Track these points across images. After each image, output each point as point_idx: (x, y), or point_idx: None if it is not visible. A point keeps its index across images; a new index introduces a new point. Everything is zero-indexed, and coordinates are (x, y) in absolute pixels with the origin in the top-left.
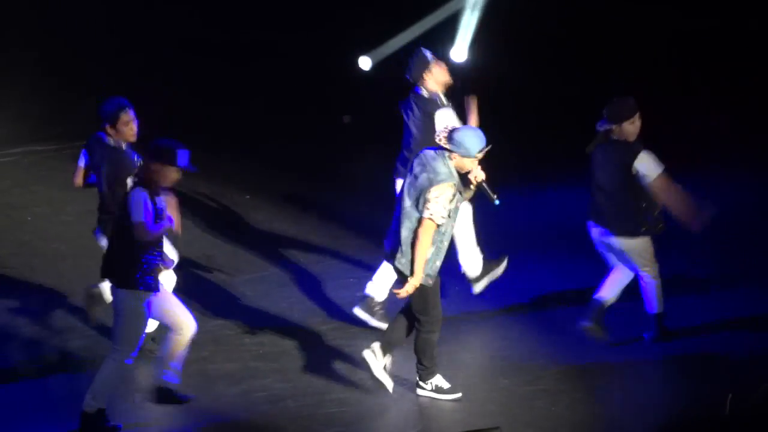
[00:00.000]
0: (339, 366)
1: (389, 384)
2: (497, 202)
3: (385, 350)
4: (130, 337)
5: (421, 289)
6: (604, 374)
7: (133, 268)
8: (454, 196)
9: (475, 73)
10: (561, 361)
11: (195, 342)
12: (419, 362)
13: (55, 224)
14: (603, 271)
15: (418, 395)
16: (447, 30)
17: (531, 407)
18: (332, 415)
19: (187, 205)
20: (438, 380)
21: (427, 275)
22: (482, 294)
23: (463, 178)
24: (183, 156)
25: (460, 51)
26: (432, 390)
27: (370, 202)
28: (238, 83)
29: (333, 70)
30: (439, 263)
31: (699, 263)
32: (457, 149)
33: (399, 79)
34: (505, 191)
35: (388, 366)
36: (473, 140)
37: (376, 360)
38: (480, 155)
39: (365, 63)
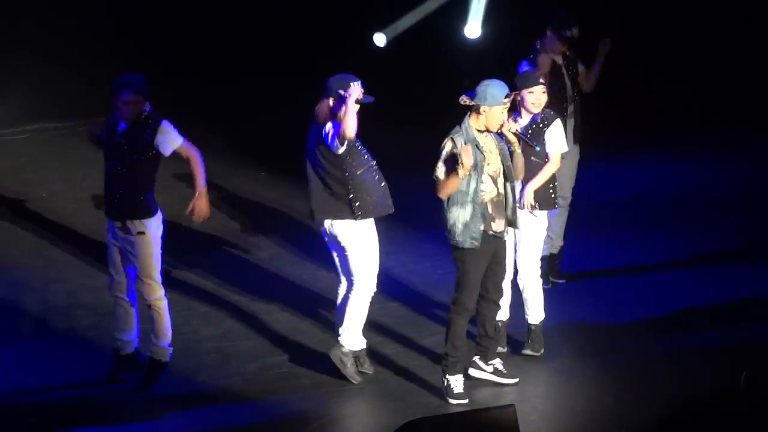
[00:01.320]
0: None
1: (513, 380)
2: (537, 148)
3: (484, 354)
4: (362, 263)
5: (462, 255)
6: (620, 352)
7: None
8: (452, 149)
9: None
10: (574, 337)
11: (213, 318)
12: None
13: (71, 201)
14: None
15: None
16: (460, 5)
17: (544, 383)
18: (349, 392)
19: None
20: (455, 382)
21: (472, 238)
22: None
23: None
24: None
25: (473, 28)
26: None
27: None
28: (264, 58)
29: (352, 46)
30: (480, 226)
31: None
32: (483, 101)
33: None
34: None
35: (500, 366)
36: (496, 88)
37: (484, 372)
38: (507, 101)
39: (380, 39)
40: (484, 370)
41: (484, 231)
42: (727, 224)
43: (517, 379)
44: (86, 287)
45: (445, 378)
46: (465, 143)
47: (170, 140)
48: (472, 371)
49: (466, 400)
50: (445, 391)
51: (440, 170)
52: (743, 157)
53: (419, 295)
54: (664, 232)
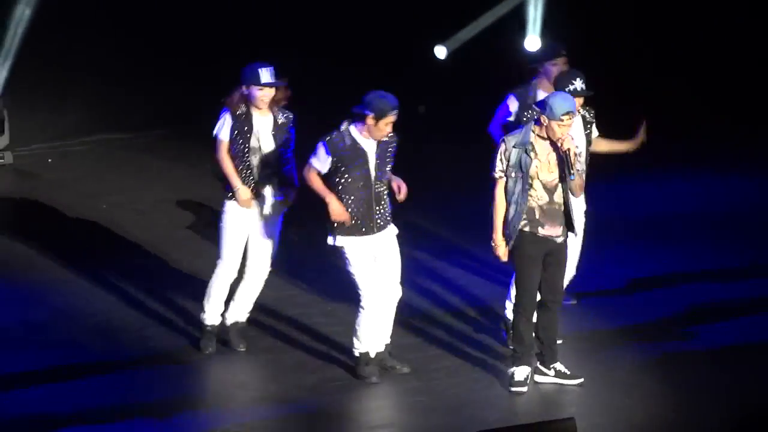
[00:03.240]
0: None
1: (577, 380)
2: (572, 177)
3: (543, 359)
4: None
5: (512, 256)
6: (678, 365)
7: None
8: (506, 151)
9: None
10: (634, 352)
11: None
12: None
13: (130, 212)
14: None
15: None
16: (518, 18)
17: (605, 399)
18: (402, 405)
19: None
20: (519, 371)
21: (508, 237)
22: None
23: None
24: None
25: (533, 41)
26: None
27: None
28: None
29: (408, 58)
30: (518, 227)
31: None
32: (544, 110)
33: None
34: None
35: (563, 369)
36: (559, 102)
37: (547, 376)
38: (566, 118)
39: (441, 52)
40: (547, 374)
41: (531, 232)
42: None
43: (582, 379)
44: (153, 295)
45: (511, 371)
46: (515, 146)
47: None
48: (536, 377)
49: (525, 389)
50: (508, 381)
51: (498, 170)
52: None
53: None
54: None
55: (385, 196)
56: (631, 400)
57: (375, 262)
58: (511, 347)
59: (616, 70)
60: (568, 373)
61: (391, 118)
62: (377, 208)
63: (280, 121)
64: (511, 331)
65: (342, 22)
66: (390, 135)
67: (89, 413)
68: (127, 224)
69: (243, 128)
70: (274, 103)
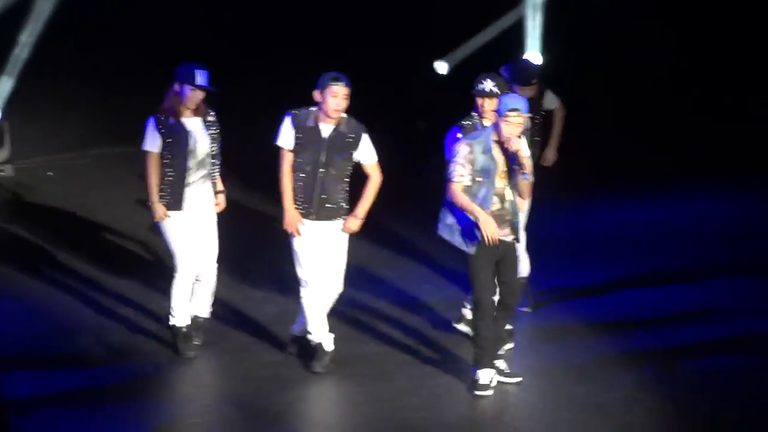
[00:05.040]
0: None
1: (516, 379)
2: (525, 176)
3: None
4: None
5: (468, 261)
6: (679, 382)
7: None
8: (471, 154)
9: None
10: (635, 368)
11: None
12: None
13: (133, 225)
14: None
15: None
16: (517, 32)
17: (606, 415)
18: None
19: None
20: (483, 375)
21: (472, 243)
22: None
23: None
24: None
25: (534, 54)
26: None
27: None
28: None
29: (408, 74)
30: (477, 231)
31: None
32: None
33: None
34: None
35: (502, 366)
36: (507, 100)
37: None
38: (510, 114)
39: (442, 67)
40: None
41: (483, 236)
42: None
43: (520, 378)
44: (155, 310)
45: (474, 374)
46: (482, 153)
47: None
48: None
49: (490, 392)
50: (473, 385)
51: (458, 175)
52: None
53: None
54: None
55: (332, 185)
56: (632, 417)
57: (317, 250)
58: (473, 349)
59: (614, 87)
60: (508, 371)
61: (333, 88)
62: (322, 195)
63: (209, 119)
64: (473, 333)
65: (344, 37)
66: (348, 123)
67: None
68: (128, 238)
69: (175, 133)
70: (201, 106)
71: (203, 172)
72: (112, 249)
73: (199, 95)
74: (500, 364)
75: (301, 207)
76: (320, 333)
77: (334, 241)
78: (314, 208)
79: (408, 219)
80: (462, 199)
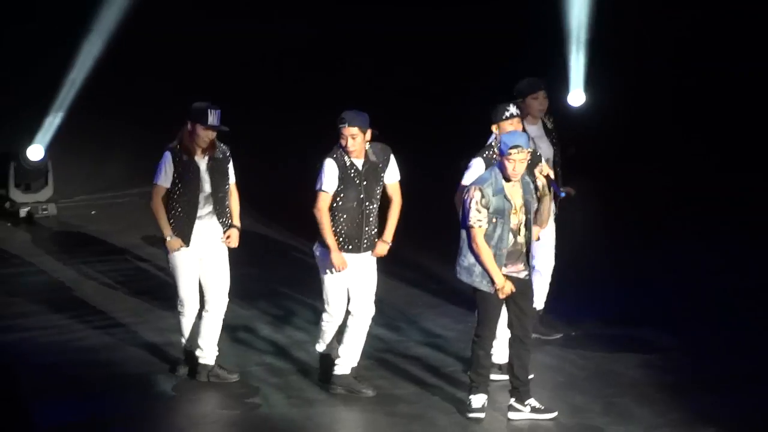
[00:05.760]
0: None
1: (552, 414)
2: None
3: (518, 396)
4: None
5: (480, 295)
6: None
7: None
8: (484, 198)
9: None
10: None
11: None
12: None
13: None
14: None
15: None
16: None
17: None
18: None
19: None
20: (475, 399)
21: (489, 282)
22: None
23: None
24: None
25: (577, 95)
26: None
27: None
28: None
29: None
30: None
31: None
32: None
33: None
34: None
35: (537, 404)
36: (507, 138)
37: (522, 413)
38: (514, 152)
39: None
40: (522, 411)
41: None
42: None
43: (555, 413)
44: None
45: (468, 398)
46: (494, 194)
47: None
48: (511, 414)
49: (483, 415)
50: (466, 408)
51: (476, 220)
52: None
53: None
54: None
55: (374, 216)
56: None
57: (348, 281)
58: (469, 377)
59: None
60: (543, 407)
61: (341, 131)
62: (372, 229)
63: (218, 157)
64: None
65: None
66: (374, 151)
67: None
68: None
69: (187, 169)
70: (211, 144)
71: (210, 207)
72: (155, 286)
73: (211, 134)
74: (532, 402)
75: (350, 243)
76: (351, 359)
77: (366, 268)
78: (364, 242)
79: None
80: (482, 252)
